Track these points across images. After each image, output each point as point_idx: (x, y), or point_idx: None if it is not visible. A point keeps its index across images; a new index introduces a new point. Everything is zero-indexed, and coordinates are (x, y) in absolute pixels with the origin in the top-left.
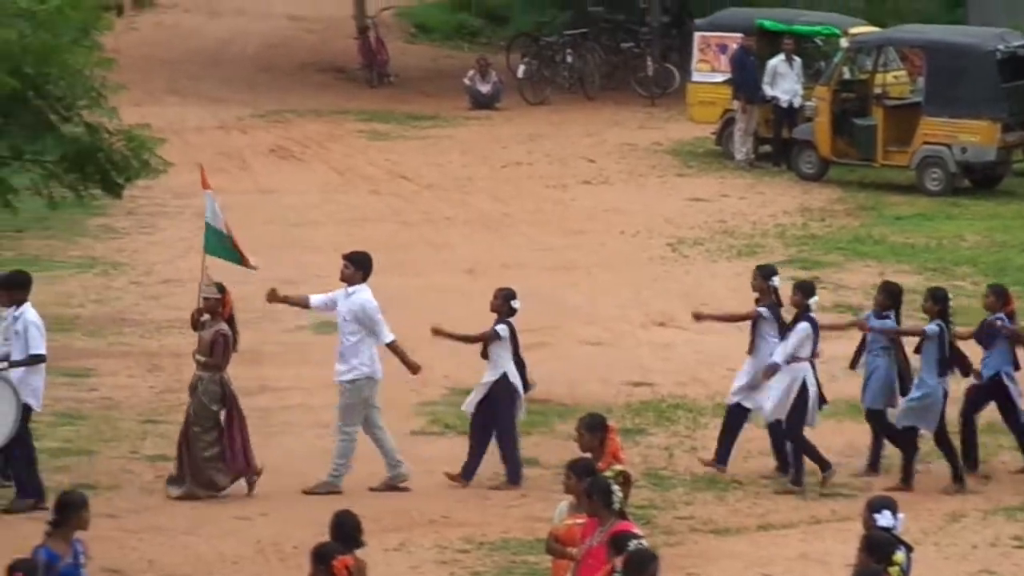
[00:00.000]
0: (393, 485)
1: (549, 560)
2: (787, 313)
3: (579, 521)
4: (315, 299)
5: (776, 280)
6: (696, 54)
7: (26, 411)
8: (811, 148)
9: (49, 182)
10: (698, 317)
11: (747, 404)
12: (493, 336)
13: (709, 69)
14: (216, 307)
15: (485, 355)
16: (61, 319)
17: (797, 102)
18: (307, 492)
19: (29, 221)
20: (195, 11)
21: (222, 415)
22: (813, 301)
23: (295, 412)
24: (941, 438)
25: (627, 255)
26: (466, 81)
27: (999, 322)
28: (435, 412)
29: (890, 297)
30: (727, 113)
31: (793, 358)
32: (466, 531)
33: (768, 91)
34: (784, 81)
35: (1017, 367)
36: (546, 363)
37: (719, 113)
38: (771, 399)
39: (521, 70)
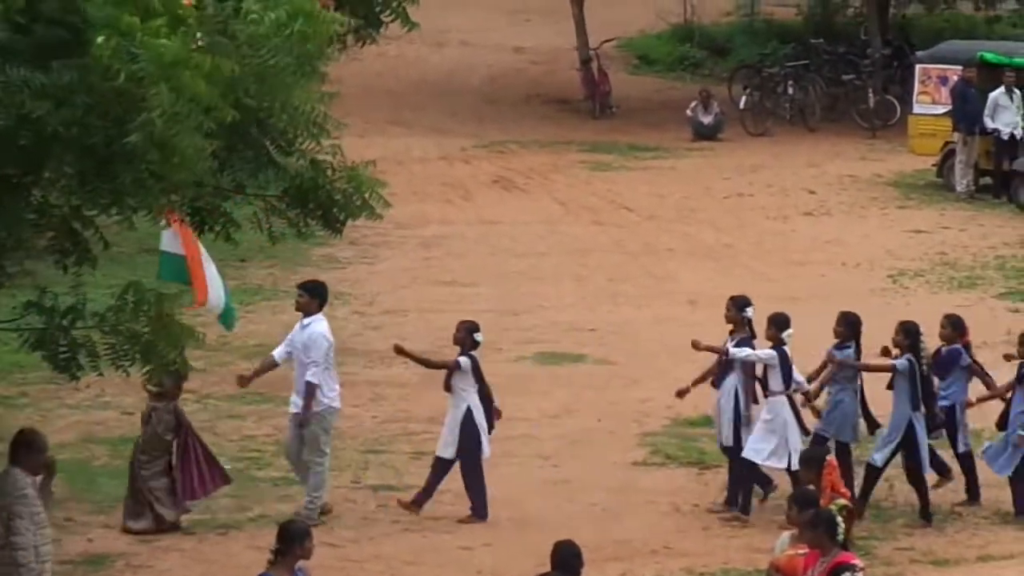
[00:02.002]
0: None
1: None
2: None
3: (800, 552)
4: (277, 353)
5: (750, 311)
6: (917, 86)
7: None
8: None
9: (270, 216)
10: (696, 347)
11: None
12: (455, 366)
13: (930, 101)
14: None
15: (448, 388)
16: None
17: (1018, 134)
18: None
19: (252, 251)
20: (419, 42)
21: (174, 445)
22: (787, 334)
23: (517, 443)
24: (914, 473)
25: (848, 287)
26: (688, 112)
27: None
28: (656, 443)
29: (850, 328)
30: (948, 145)
31: (769, 392)
32: (687, 561)
33: (989, 123)
34: (1005, 113)
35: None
36: None
37: (940, 145)
38: (754, 439)
39: (743, 101)
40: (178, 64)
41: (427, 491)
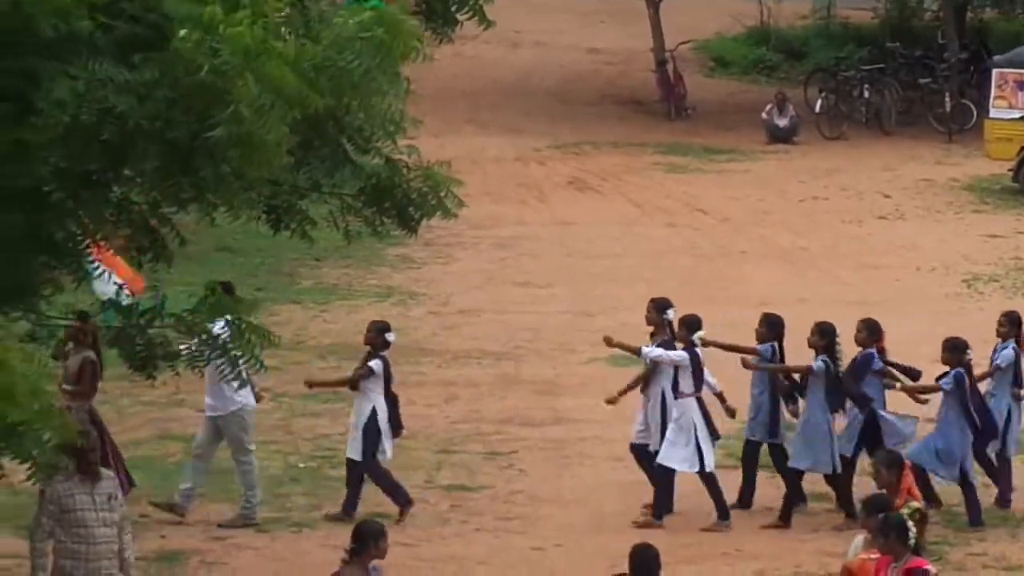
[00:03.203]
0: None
1: None
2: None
3: (872, 556)
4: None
5: (671, 313)
6: (994, 90)
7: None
8: None
9: (346, 215)
10: (608, 343)
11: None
12: (368, 373)
13: (1007, 105)
14: (77, 334)
15: (355, 387)
16: (359, 348)
17: None
18: (221, 526)
19: (327, 251)
20: (495, 43)
21: None
22: (698, 336)
23: (590, 444)
24: (834, 477)
25: (922, 291)
26: (763, 115)
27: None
28: (729, 446)
29: (771, 329)
30: None
31: (679, 393)
32: (759, 564)
33: None
34: None
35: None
36: None
37: (1016, 149)
38: (666, 445)
39: (818, 105)
40: (261, 53)
41: (351, 496)
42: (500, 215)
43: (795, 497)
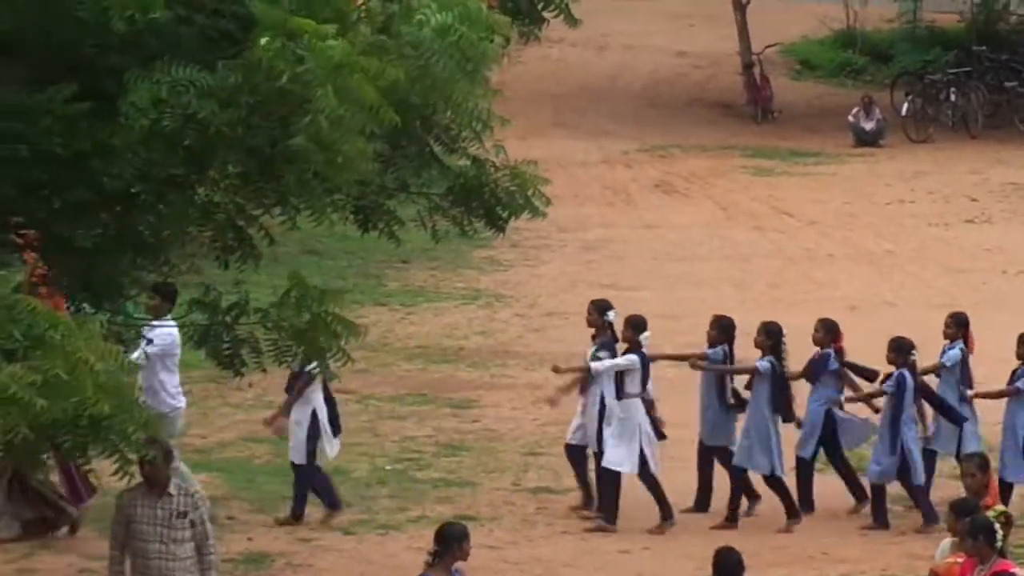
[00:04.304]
0: None
1: None
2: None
3: (959, 560)
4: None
5: (611, 315)
6: None
7: None
8: None
9: (434, 215)
10: (557, 371)
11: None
12: (311, 379)
13: None
14: None
15: (290, 390)
16: (446, 350)
17: None
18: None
19: (414, 252)
20: (582, 46)
21: None
22: (644, 337)
23: (678, 447)
24: (773, 478)
25: (1009, 294)
26: (850, 118)
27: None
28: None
29: (722, 332)
30: None
31: (624, 394)
32: (846, 567)
33: None
34: None
35: (840, 406)
36: None
37: None
38: (611, 447)
39: (905, 108)
40: (345, 67)
41: (301, 500)
42: (587, 218)
43: (739, 497)
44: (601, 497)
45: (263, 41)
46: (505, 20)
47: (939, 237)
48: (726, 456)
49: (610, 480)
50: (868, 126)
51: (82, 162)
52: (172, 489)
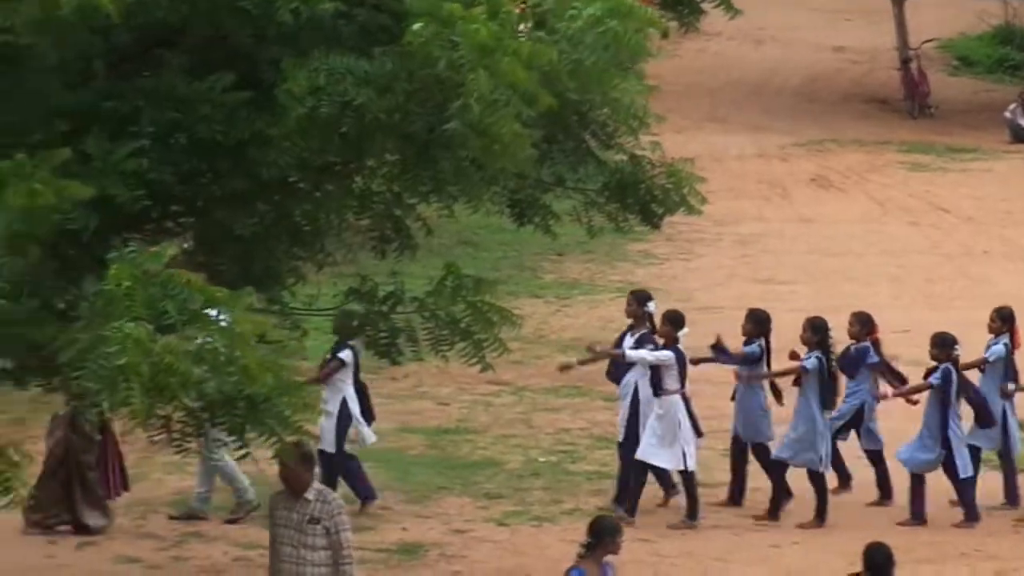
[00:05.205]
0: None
1: None
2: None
3: None
4: None
5: (652, 306)
6: None
7: None
8: None
9: (589, 210)
10: (591, 350)
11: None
12: (339, 364)
13: None
14: None
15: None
16: (600, 343)
17: None
18: (173, 518)
19: (569, 245)
20: (739, 40)
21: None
22: (682, 333)
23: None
24: (816, 474)
25: None
26: (1007, 114)
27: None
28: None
29: (758, 325)
30: None
31: (663, 391)
32: (998, 564)
33: None
34: None
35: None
36: None
37: None
38: (650, 443)
39: None
40: (496, 50)
41: (355, 488)
42: (742, 211)
43: (781, 493)
44: (626, 489)
45: (416, 27)
46: (657, 14)
47: None
48: (764, 453)
49: (639, 473)
50: None
51: (241, 151)
52: (310, 495)
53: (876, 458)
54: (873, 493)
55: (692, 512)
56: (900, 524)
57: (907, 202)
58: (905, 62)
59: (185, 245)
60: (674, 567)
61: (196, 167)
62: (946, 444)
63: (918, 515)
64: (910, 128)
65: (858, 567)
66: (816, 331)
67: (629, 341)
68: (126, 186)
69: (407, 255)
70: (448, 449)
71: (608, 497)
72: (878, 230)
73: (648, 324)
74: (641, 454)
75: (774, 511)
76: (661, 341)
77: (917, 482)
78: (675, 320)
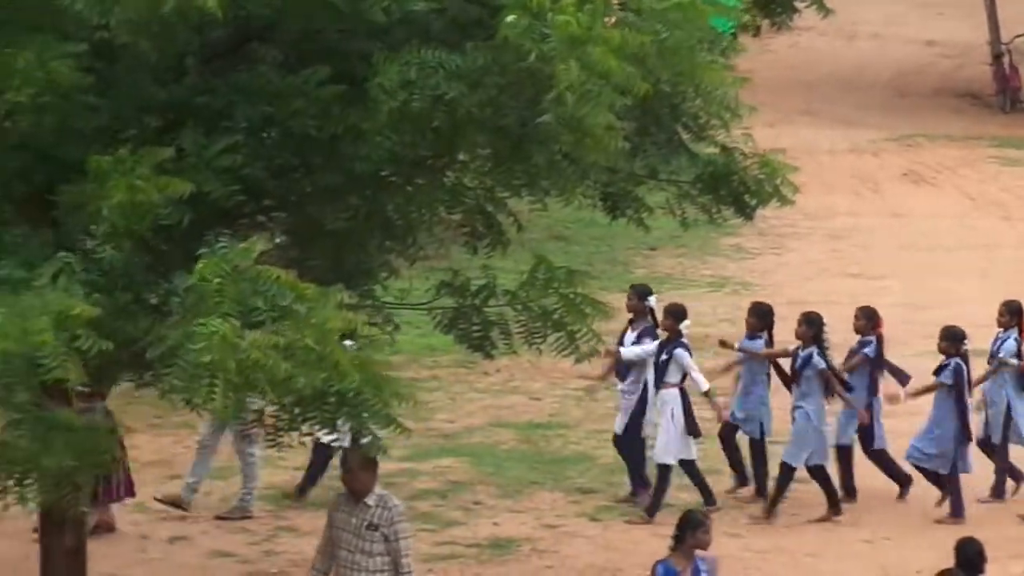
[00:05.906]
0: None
1: None
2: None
3: None
4: None
5: (652, 300)
6: None
7: None
8: None
9: (682, 202)
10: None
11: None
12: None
13: None
14: None
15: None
16: (693, 338)
17: None
18: (220, 518)
19: (662, 239)
20: (832, 35)
21: None
22: (685, 325)
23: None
24: (817, 468)
25: None
26: None
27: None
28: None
29: (761, 319)
30: None
31: (663, 383)
32: None
33: None
34: None
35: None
36: None
37: None
38: (659, 441)
39: None
40: (586, 40)
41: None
42: (833, 206)
43: (834, 490)
44: (652, 488)
45: (509, 19)
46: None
47: None
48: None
49: (663, 474)
50: None
51: (333, 145)
52: (371, 500)
53: (880, 457)
54: (979, 490)
55: (652, 509)
56: (937, 521)
57: (999, 196)
58: (997, 57)
59: (277, 240)
60: (765, 561)
61: (289, 162)
62: (964, 439)
63: (957, 511)
64: (1001, 123)
65: (950, 562)
66: (811, 325)
67: (631, 336)
68: (220, 181)
69: (498, 250)
70: (540, 444)
71: (699, 492)
72: (969, 225)
73: (650, 318)
74: (657, 457)
75: (834, 505)
76: (665, 335)
77: (955, 483)
78: (677, 313)
